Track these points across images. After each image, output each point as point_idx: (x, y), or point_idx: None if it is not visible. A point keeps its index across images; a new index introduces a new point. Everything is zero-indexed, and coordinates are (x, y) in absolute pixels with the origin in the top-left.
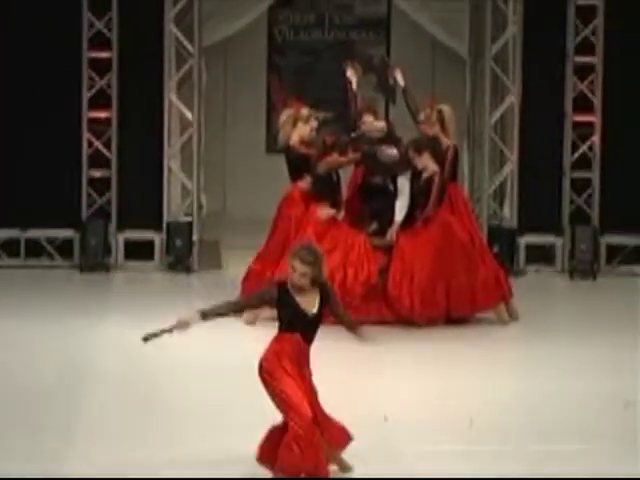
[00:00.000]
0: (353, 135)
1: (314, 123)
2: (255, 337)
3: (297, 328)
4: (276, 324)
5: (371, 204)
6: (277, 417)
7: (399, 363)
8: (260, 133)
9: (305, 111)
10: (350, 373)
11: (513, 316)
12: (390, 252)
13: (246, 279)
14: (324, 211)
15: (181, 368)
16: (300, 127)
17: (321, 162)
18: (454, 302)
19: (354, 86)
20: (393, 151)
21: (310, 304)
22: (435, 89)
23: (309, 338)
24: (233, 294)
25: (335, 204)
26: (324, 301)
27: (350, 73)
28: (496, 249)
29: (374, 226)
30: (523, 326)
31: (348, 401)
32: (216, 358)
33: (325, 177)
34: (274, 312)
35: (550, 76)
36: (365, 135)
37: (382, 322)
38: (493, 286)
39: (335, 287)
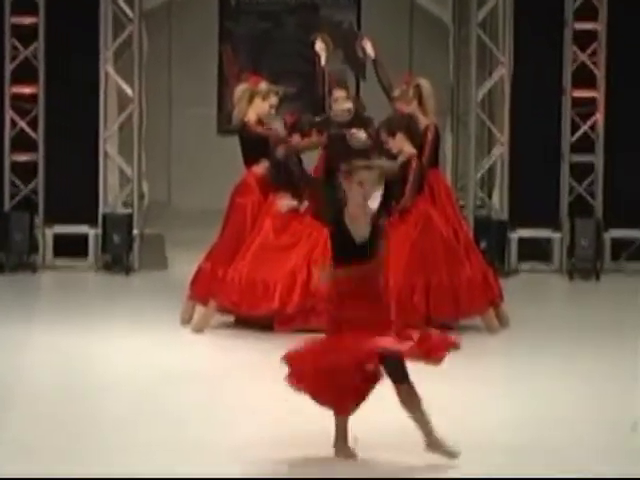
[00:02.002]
0: (318, 119)
1: (274, 100)
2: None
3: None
4: (226, 333)
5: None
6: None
7: None
8: (211, 112)
9: (263, 86)
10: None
11: (503, 323)
12: None
13: (195, 280)
14: (284, 202)
15: (115, 379)
16: (257, 104)
17: (280, 146)
18: (434, 306)
19: (322, 61)
20: (363, 135)
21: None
22: (413, 61)
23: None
24: (180, 297)
25: (297, 194)
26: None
27: (319, 47)
28: (484, 245)
29: None
30: (514, 334)
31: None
32: (155, 368)
33: (285, 163)
34: (225, 319)
35: (546, 45)
36: (330, 119)
37: None
38: (480, 288)
39: (299, 286)
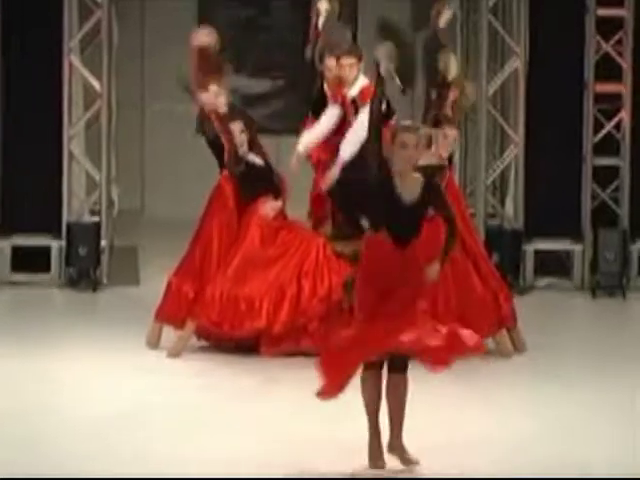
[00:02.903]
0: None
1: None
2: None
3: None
4: (202, 357)
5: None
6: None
7: None
8: (188, 108)
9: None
10: (316, 417)
11: (519, 347)
12: (358, 260)
13: (164, 297)
14: (269, 206)
15: (72, 406)
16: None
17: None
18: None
19: (320, 23)
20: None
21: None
22: (418, 50)
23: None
24: (150, 317)
25: (276, 192)
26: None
27: (323, 6)
28: (496, 258)
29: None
30: (530, 360)
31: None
32: (123, 395)
33: (250, 169)
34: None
35: (565, 34)
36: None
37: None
38: (490, 307)
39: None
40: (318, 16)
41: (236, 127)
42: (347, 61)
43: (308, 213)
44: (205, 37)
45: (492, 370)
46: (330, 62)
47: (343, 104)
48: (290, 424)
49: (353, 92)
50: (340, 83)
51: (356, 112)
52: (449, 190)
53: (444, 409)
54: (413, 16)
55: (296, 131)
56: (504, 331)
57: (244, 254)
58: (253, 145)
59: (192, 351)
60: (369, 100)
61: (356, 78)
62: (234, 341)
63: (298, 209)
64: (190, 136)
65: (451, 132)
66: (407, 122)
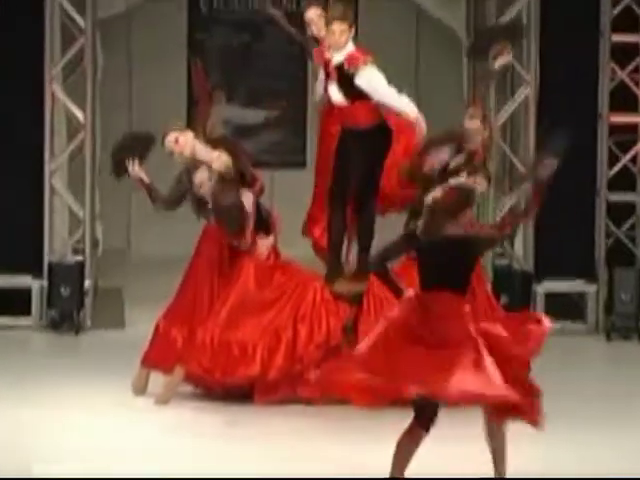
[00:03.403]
0: None
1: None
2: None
3: None
4: (192, 405)
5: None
6: None
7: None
8: None
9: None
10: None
11: None
12: (359, 302)
13: (152, 341)
14: (262, 244)
15: (56, 456)
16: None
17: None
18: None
19: (314, 28)
20: None
21: None
22: (419, 79)
23: None
24: (136, 363)
25: (267, 228)
26: None
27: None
28: (504, 301)
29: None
30: (544, 408)
31: None
32: (104, 446)
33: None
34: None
35: (578, 61)
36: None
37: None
38: None
39: (283, 347)
40: (310, 26)
41: (202, 175)
42: (338, 27)
43: (304, 224)
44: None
45: None
46: (311, 14)
47: (326, 67)
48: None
49: (338, 58)
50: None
51: (340, 79)
52: None
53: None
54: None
55: (292, 164)
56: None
57: (237, 297)
58: (245, 179)
59: (181, 398)
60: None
61: (344, 44)
62: (226, 388)
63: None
64: (180, 167)
65: (481, 183)
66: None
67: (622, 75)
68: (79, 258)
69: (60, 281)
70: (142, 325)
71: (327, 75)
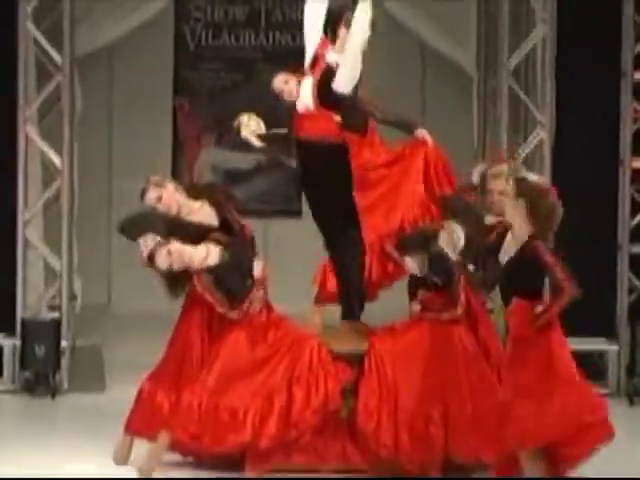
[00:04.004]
0: None
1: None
2: None
3: None
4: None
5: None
6: None
7: None
8: None
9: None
10: None
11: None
12: (360, 362)
13: (136, 405)
14: (256, 298)
15: None
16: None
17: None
18: (455, 440)
19: (256, 142)
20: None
21: None
22: (425, 122)
23: None
24: (121, 428)
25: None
26: None
27: (244, 134)
28: None
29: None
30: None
31: None
32: None
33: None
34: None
35: (598, 101)
36: None
37: (347, 470)
38: None
39: (277, 412)
40: (282, 95)
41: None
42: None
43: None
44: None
45: None
46: (277, 83)
47: (315, 60)
48: None
49: (335, 57)
50: None
51: (321, 79)
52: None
53: None
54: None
55: (286, 213)
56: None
57: (226, 356)
58: (232, 231)
59: (167, 468)
60: None
61: None
62: (215, 457)
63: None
64: None
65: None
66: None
67: None
68: (55, 314)
69: (34, 340)
70: (124, 388)
71: (310, 66)
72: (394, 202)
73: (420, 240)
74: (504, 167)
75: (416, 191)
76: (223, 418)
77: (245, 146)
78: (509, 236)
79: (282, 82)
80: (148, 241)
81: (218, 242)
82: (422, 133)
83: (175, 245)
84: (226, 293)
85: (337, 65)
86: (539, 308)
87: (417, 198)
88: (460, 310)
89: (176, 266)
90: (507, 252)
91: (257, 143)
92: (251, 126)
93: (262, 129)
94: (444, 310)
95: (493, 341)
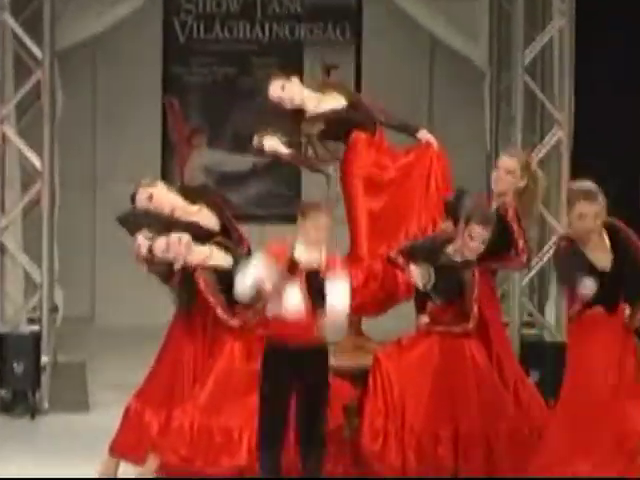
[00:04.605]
0: None
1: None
2: None
3: None
4: None
5: None
6: None
7: None
8: None
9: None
10: None
11: None
12: (364, 379)
13: (122, 425)
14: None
15: None
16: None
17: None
18: (464, 462)
19: (285, 151)
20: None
21: None
22: (434, 120)
23: None
24: (105, 450)
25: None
26: None
27: (269, 145)
28: (535, 377)
29: None
30: None
31: None
32: None
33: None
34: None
35: (619, 98)
36: None
37: None
38: (531, 441)
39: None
40: (283, 102)
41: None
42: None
43: None
44: None
45: None
46: (274, 90)
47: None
48: None
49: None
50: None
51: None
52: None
53: None
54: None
55: (284, 218)
56: None
57: (220, 373)
58: (231, 237)
59: None
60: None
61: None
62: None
63: None
64: None
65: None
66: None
67: None
68: (35, 328)
69: (13, 355)
70: (109, 407)
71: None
72: (405, 210)
73: (428, 248)
74: (522, 152)
75: (427, 198)
76: (216, 439)
77: (240, 147)
78: None
79: (279, 89)
80: (145, 236)
81: (222, 246)
82: (425, 135)
83: (174, 234)
84: (227, 300)
85: None
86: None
87: (428, 205)
88: (472, 324)
89: (172, 255)
90: None
91: (286, 151)
92: (272, 138)
93: (283, 138)
94: (454, 323)
95: (507, 355)
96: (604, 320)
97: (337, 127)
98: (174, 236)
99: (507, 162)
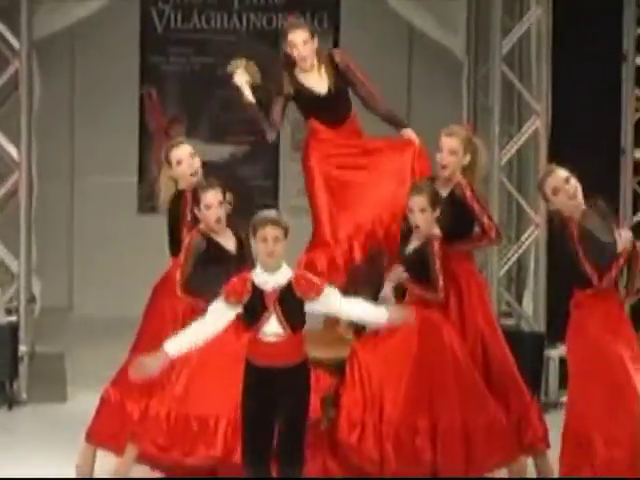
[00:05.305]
0: None
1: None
2: None
3: None
4: None
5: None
6: None
7: None
8: (128, 182)
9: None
10: None
11: (545, 476)
12: (341, 370)
13: (99, 413)
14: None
15: None
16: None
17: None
18: (443, 452)
19: (249, 96)
20: None
21: None
22: (412, 110)
23: None
24: (79, 442)
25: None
26: None
27: (239, 79)
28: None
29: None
30: None
31: None
32: None
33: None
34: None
35: (597, 88)
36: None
37: None
38: (509, 433)
39: None
40: (292, 48)
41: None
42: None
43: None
44: None
45: None
46: (297, 38)
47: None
48: None
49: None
50: None
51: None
52: (470, 283)
53: None
54: None
55: (262, 209)
56: (523, 458)
57: (199, 355)
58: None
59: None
60: None
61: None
62: (187, 470)
63: None
64: (130, 218)
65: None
66: None
67: None
68: (12, 318)
69: None
70: (87, 397)
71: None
72: (374, 197)
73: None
74: (461, 129)
75: (397, 194)
76: (193, 429)
77: (218, 137)
78: None
79: (301, 41)
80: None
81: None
82: (409, 133)
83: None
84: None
85: None
86: None
87: (396, 201)
88: (441, 294)
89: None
90: None
91: (249, 96)
92: (247, 74)
93: (258, 80)
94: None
95: (498, 342)
96: (609, 297)
97: (304, 105)
98: None
99: (449, 142)
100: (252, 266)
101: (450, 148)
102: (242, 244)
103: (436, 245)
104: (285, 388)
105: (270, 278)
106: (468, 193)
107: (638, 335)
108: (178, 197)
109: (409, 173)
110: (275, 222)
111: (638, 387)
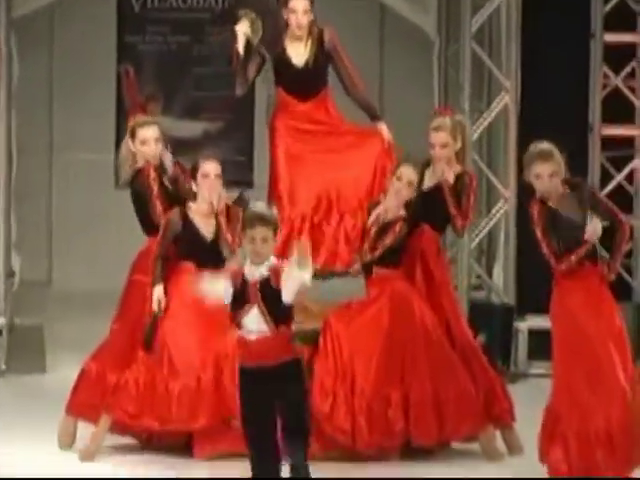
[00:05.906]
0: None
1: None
2: None
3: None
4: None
5: None
6: None
7: None
8: (106, 158)
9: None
10: None
11: (513, 449)
12: (315, 343)
13: (77, 388)
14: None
15: None
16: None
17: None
18: (415, 423)
19: (240, 48)
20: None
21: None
22: (384, 88)
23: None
24: (62, 411)
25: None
26: None
27: (241, 28)
28: (482, 339)
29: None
30: (527, 465)
31: None
32: None
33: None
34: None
35: (565, 65)
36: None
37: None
38: (476, 404)
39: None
40: (290, 15)
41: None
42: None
43: None
44: None
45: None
46: (299, 5)
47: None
48: None
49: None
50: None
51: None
52: (434, 260)
53: None
54: None
55: (237, 185)
56: (491, 429)
57: (166, 323)
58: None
59: (111, 452)
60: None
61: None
62: (161, 438)
63: None
64: (108, 192)
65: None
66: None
67: (616, 81)
68: None
69: None
70: (66, 369)
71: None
72: (337, 176)
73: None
74: (445, 119)
75: (361, 179)
76: (160, 394)
77: (192, 114)
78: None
79: (302, 8)
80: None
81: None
82: (383, 127)
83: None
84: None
85: None
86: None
87: (360, 186)
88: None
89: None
90: None
91: (240, 46)
92: (250, 27)
93: (257, 37)
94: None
95: (457, 318)
96: (590, 274)
97: (278, 71)
98: None
99: (438, 137)
100: (227, 256)
101: (441, 143)
102: (220, 231)
103: (474, 182)
104: (279, 387)
105: (256, 271)
106: (474, 184)
107: (620, 310)
108: (136, 176)
109: (373, 165)
110: (265, 221)
111: (617, 363)
